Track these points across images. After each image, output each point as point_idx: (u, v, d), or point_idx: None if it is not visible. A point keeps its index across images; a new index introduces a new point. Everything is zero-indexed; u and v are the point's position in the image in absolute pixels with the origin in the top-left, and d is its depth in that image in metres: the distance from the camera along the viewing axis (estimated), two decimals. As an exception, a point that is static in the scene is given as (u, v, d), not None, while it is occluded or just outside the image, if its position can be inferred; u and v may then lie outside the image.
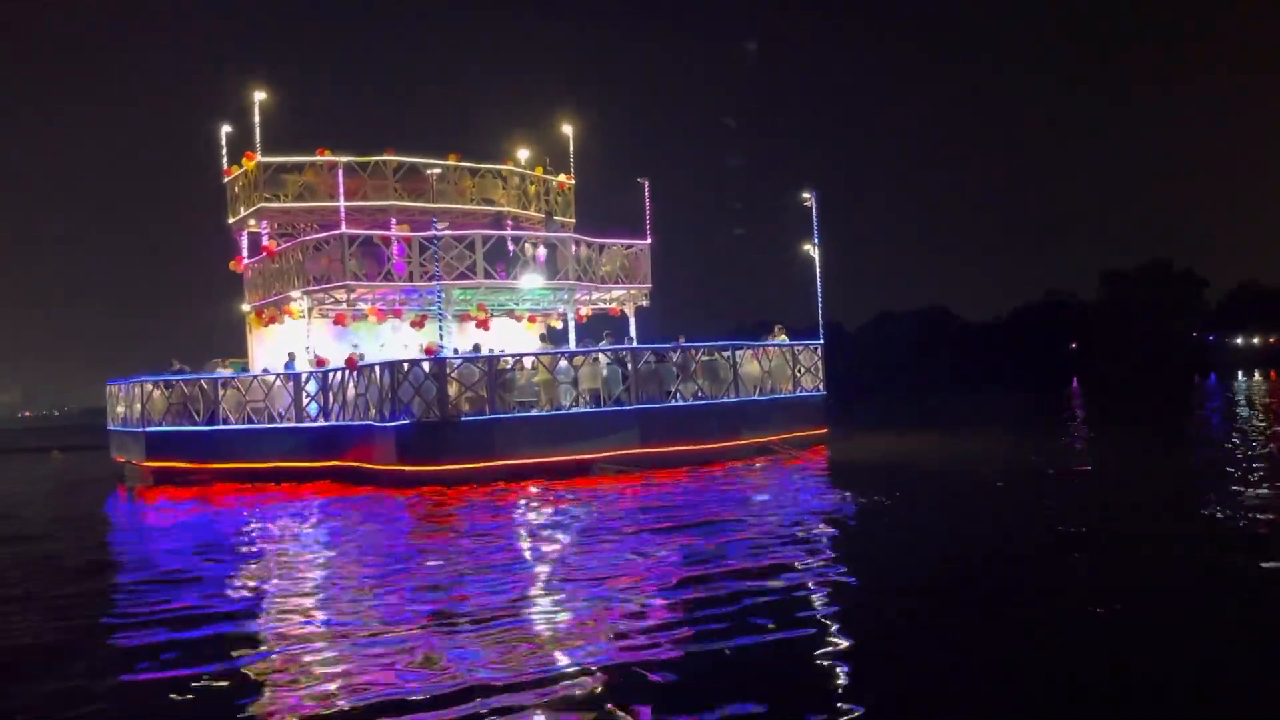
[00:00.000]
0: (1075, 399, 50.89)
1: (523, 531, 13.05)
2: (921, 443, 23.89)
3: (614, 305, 27.61)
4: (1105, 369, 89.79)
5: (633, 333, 26.80)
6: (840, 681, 5.92)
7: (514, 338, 27.62)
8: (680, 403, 19.82)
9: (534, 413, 19.03)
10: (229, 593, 10.02)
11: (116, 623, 8.73)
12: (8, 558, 12.99)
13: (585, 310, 27.52)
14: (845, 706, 5.40)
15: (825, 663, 6.27)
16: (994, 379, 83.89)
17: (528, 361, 19.95)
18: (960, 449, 22.27)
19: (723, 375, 20.59)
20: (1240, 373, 75.53)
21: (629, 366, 19.50)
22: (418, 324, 25.92)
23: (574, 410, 19.04)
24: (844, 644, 6.74)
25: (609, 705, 5.67)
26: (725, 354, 20.82)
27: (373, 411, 19.58)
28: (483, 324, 24.68)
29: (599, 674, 6.26)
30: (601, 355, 19.79)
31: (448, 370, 18.55)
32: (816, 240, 22.95)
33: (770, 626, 7.15)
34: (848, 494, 14.56)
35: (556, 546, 11.66)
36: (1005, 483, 15.63)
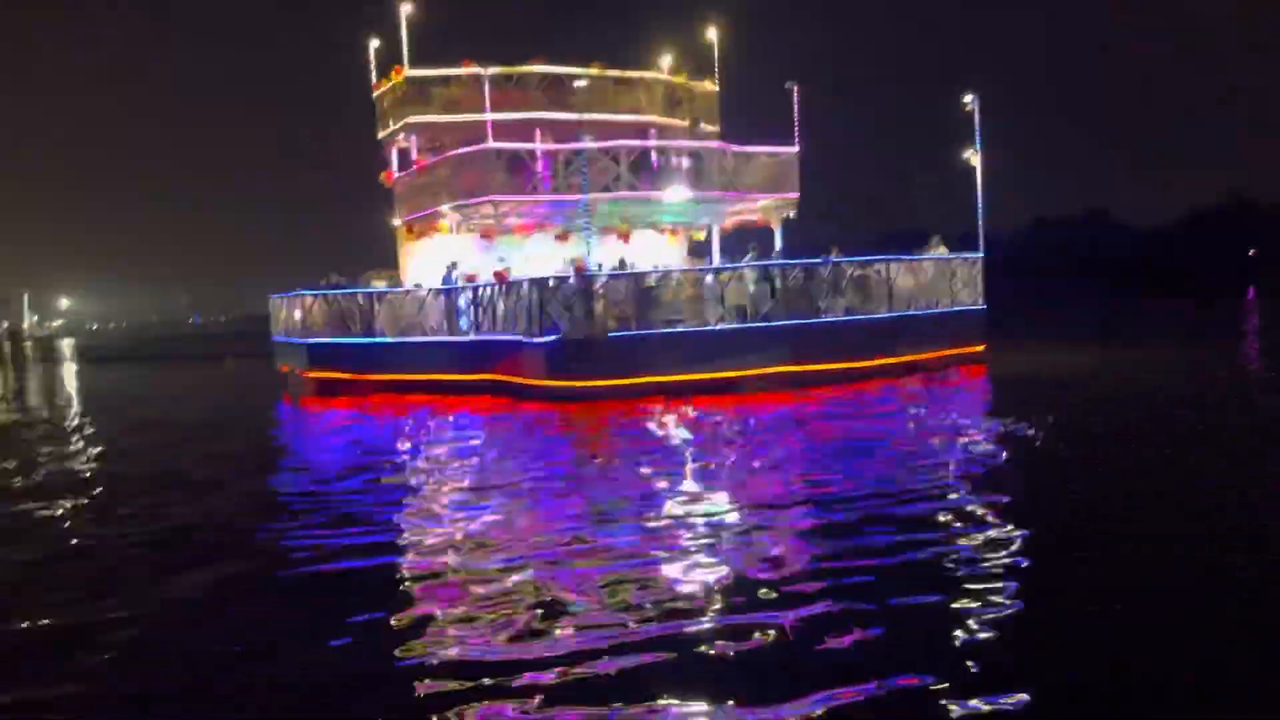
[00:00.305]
0: (1249, 309, 47.30)
1: (668, 455, 12.94)
2: (1083, 359, 22.56)
3: (760, 216, 26.89)
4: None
5: (778, 244, 26.11)
6: (1000, 658, 5.46)
7: (656, 250, 27.31)
8: (831, 319, 19.19)
9: (680, 329, 18.78)
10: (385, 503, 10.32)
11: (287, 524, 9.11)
12: (198, 454, 13.85)
13: (730, 222, 26.91)
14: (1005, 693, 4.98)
15: (987, 635, 5.82)
16: (1161, 287, 78.95)
17: (673, 277, 19.64)
18: (1126, 366, 20.95)
19: (875, 290, 19.80)
20: None
21: (777, 282, 18.95)
22: (563, 238, 25.90)
23: (720, 327, 18.69)
24: (1009, 610, 6.22)
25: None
26: (878, 268, 19.98)
27: (521, 326, 19.72)
28: (624, 236, 24.46)
29: (727, 635, 5.99)
30: (748, 270, 19.28)
31: (594, 287, 18.42)
32: (978, 147, 21.57)
33: (924, 586, 6.70)
34: (1009, 421, 13.78)
35: (699, 475, 11.49)
36: (1176, 406, 14.58)
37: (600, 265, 22.43)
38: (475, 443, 15.01)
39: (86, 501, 11.34)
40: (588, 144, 20.26)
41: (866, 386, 18.28)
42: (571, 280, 18.71)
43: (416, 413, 18.82)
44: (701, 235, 28.94)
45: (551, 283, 18.91)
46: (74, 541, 9.45)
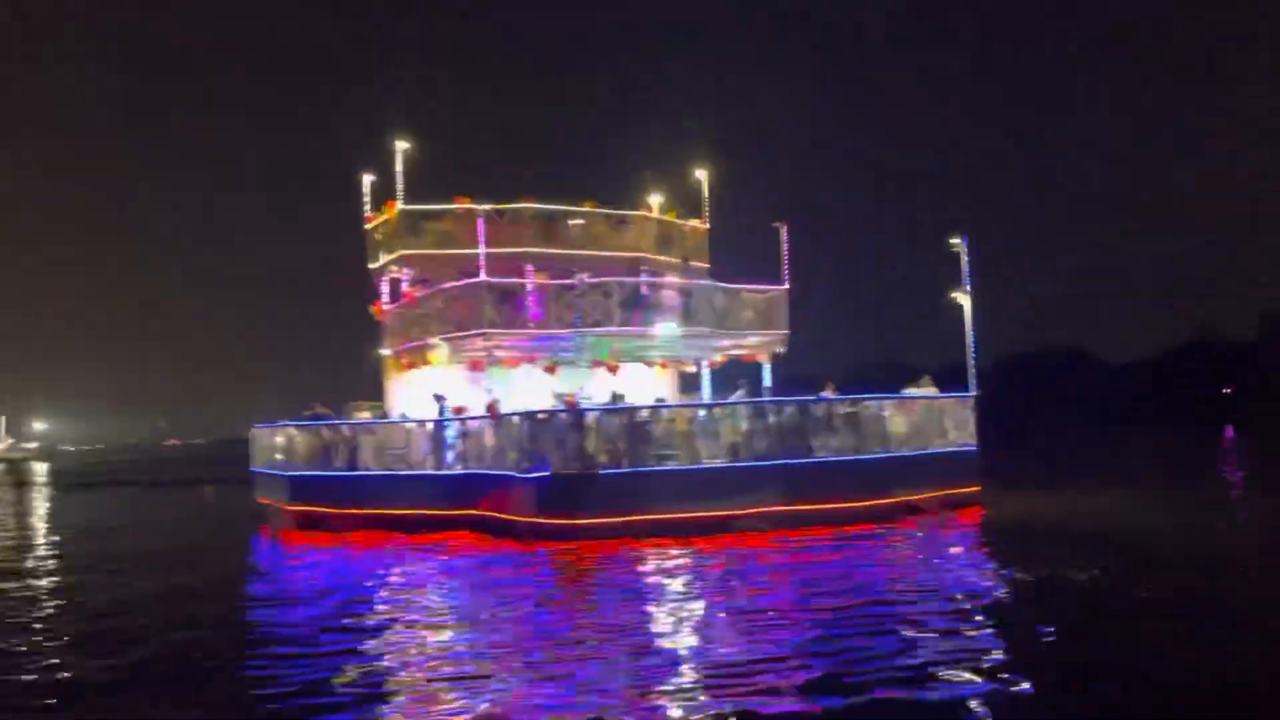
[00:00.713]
0: (1230, 449, 47.43)
1: (658, 603, 12.46)
2: (1081, 501, 22.31)
3: (747, 352, 26.99)
4: (1264, 416, 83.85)
5: (767, 380, 26.13)
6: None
7: (647, 383, 27.25)
8: (825, 458, 18.96)
9: (673, 466, 18.50)
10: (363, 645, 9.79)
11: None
12: (161, 587, 13.23)
13: (720, 357, 27.00)
14: None
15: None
16: (1136, 424, 79.49)
17: (665, 412, 19.48)
18: (1125, 510, 20.70)
19: (868, 429, 19.66)
20: None
21: (770, 419, 18.80)
22: (550, 370, 25.87)
23: (713, 465, 18.43)
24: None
25: None
26: (870, 406, 19.88)
27: (511, 460, 19.39)
28: (613, 369, 24.42)
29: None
30: (741, 407, 19.15)
31: (586, 421, 18.20)
32: (968, 286, 21.83)
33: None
34: (1012, 569, 13.41)
35: (691, 623, 11.03)
36: (1186, 554, 14.28)
37: (589, 398, 22.29)
38: (456, 585, 14.51)
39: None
40: (580, 279, 20.34)
41: (860, 528, 17.90)
42: (563, 414, 18.49)
43: (399, 549, 18.29)
44: (692, 368, 29.01)
45: (542, 416, 18.68)
46: None
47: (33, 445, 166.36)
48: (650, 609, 11.82)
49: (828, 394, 20.63)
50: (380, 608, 12.86)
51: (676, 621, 11.07)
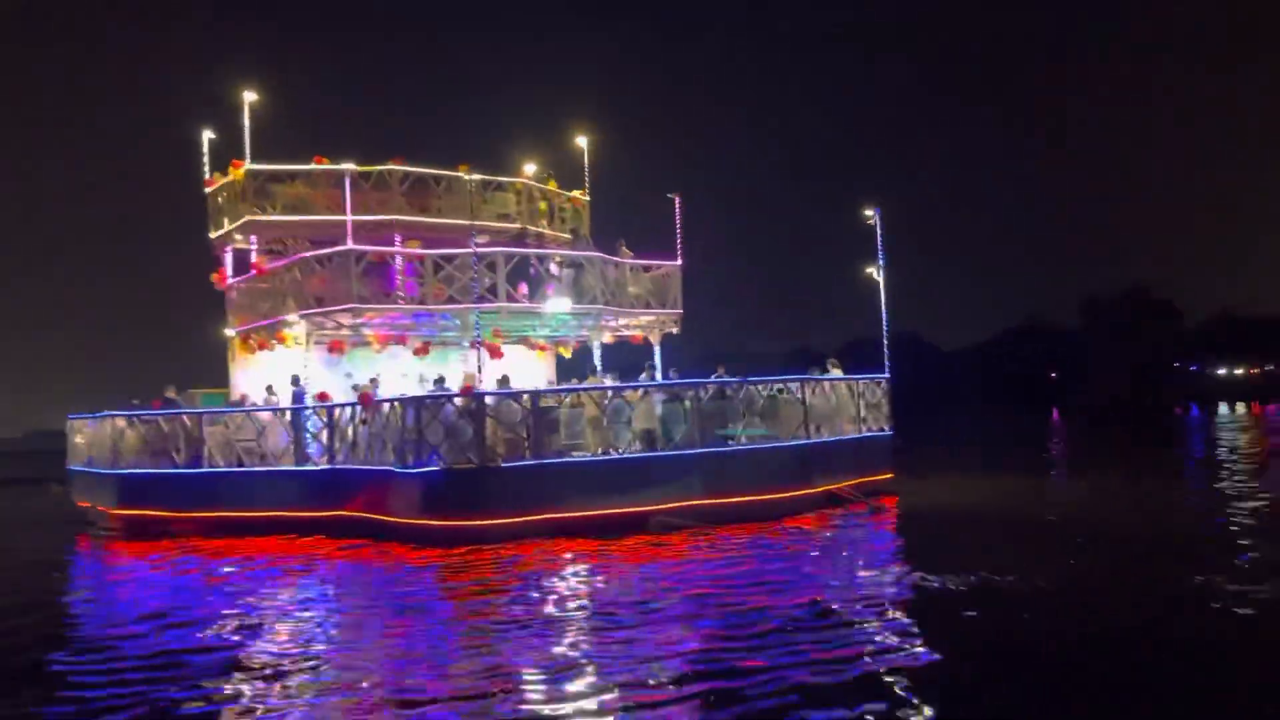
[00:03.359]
0: (1057, 430, 49.51)
1: (563, 617, 10.42)
2: (979, 487, 21.63)
3: (637, 332, 25.16)
4: (1087, 399, 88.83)
5: (657, 361, 24.39)
6: None
7: (527, 367, 25.05)
8: (745, 446, 17.29)
9: (581, 458, 16.43)
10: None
11: None
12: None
13: (608, 337, 25.03)
14: None
15: None
16: (967, 408, 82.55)
17: (569, 397, 17.37)
18: (1017, 493, 20.14)
19: (786, 414, 18.13)
20: (1223, 404, 74.83)
21: (687, 404, 16.98)
22: (421, 351, 23.26)
23: (627, 455, 16.47)
24: None
25: None
26: (790, 389, 18.35)
27: (390, 454, 16.86)
28: (494, 351, 22.06)
29: None
30: (654, 390, 17.26)
31: (486, 409, 15.88)
32: (881, 261, 20.64)
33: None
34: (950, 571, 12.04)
35: (598, 646, 9.08)
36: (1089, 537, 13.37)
37: (440, 381, 19.89)
38: (329, 604, 12.06)
39: None
40: (471, 248, 17.92)
41: (785, 523, 16.36)
42: (455, 400, 16.10)
43: (251, 559, 15.54)
44: (569, 352, 26.96)
45: (430, 403, 16.22)
46: None
47: None
48: (550, 633, 9.75)
49: (721, 376, 19.05)
50: (222, 636, 10.28)
51: (573, 644, 9.05)
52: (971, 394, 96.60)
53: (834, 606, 10.17)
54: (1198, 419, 55.52)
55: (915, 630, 9.23)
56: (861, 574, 12.20)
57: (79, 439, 22.86)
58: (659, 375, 22.46)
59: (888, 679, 7.62)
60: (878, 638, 8.99)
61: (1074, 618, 9.50)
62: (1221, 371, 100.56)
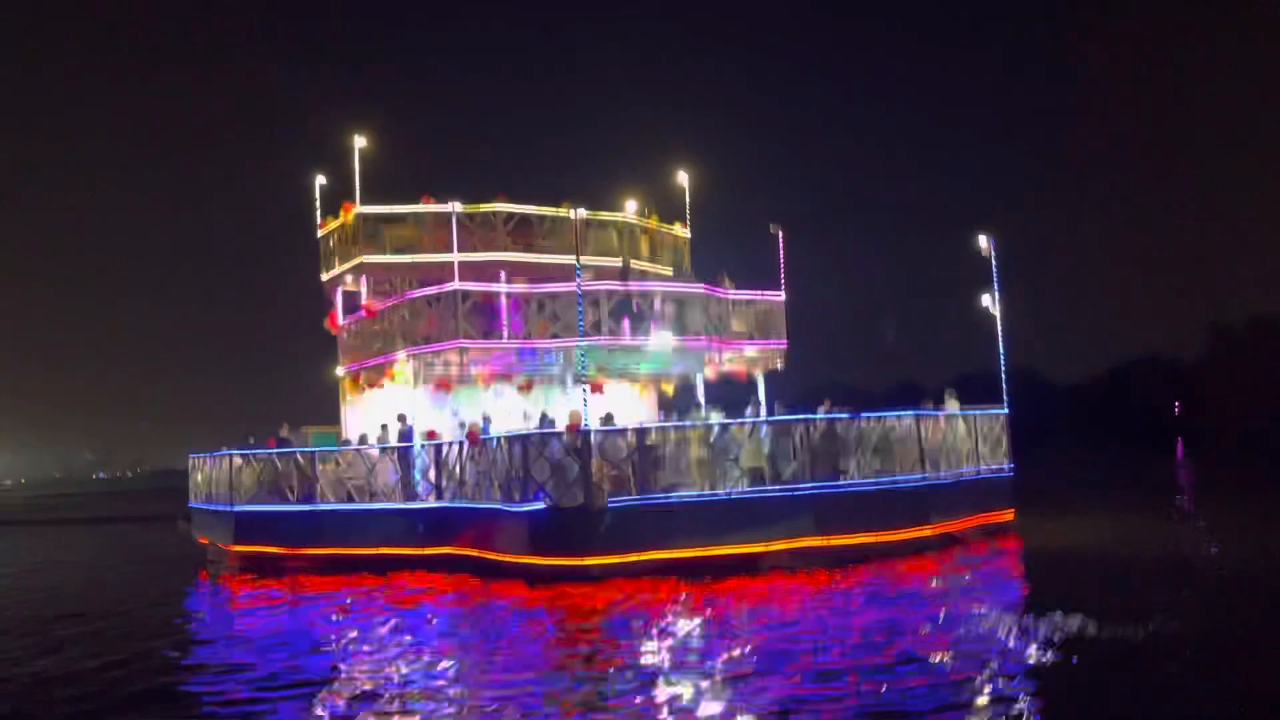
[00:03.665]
0: (1182, 466, 46.81)
1: (677, 665, 10.00)
2: (1107, 527, 20.37)
3: (741, 367, 24.75)
4: (1214, 433, 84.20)
5: (761, 396, 23.93)
6: None
7: (629, 404, 24.86)
8: (859, 484, 16.69)
9: (689, 495, 16.08)
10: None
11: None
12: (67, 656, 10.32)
13: (710, 372, 24.68)
14: None
15: None
16: (1083, 444, 79.05)
17: (674, 432, 17.06)
18: (1147, 534, 18.88)
19: (899, 451, 17.45)
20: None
21: (797, 439, 16.50)
22: (525, 388, 23.35)
23: (736, 493, 16.04)
24: None
25: None
26: (905, 424, 17.66)
27: (497, 492, 16.81)
28: (596, 387, 21.94)
29: None
30: (762, 425, 16.83)
31: (592, 445, 15.69)
32: (996, 294, 19.81)
33: None
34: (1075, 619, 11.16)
35: (706, 696, 8.61)
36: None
37: (545, 418, 19.83)
38: (434, 643, 11.93)
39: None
40: (575, 284, 17.83)
41: (903, 566, 15.64)
42: (561, 437, 15.96)
43: (364, 596, 15.60)
44: (671, 388, 26.69)
45: (536, 439, 16.13)
46: None
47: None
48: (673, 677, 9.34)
49: (828, 412, 18.41)
50: (339, 673, 10.25)
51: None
52: (1088, 429, 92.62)
53: (949, 658, 9.55)
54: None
55: (1042, 691, 8.53)
56: (982, 624, 11.45)
57: (199, 476, 23.52)
58: (763, 410, 22.00)
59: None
60: (1000, 705, 8.34)
61: (1218, 674, 8.69)
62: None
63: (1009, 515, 19.39)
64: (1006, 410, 19.88)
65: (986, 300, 19.72)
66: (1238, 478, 37.96)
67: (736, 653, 10.30)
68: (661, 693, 8.90)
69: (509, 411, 22.24)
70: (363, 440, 20.76)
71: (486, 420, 19.53)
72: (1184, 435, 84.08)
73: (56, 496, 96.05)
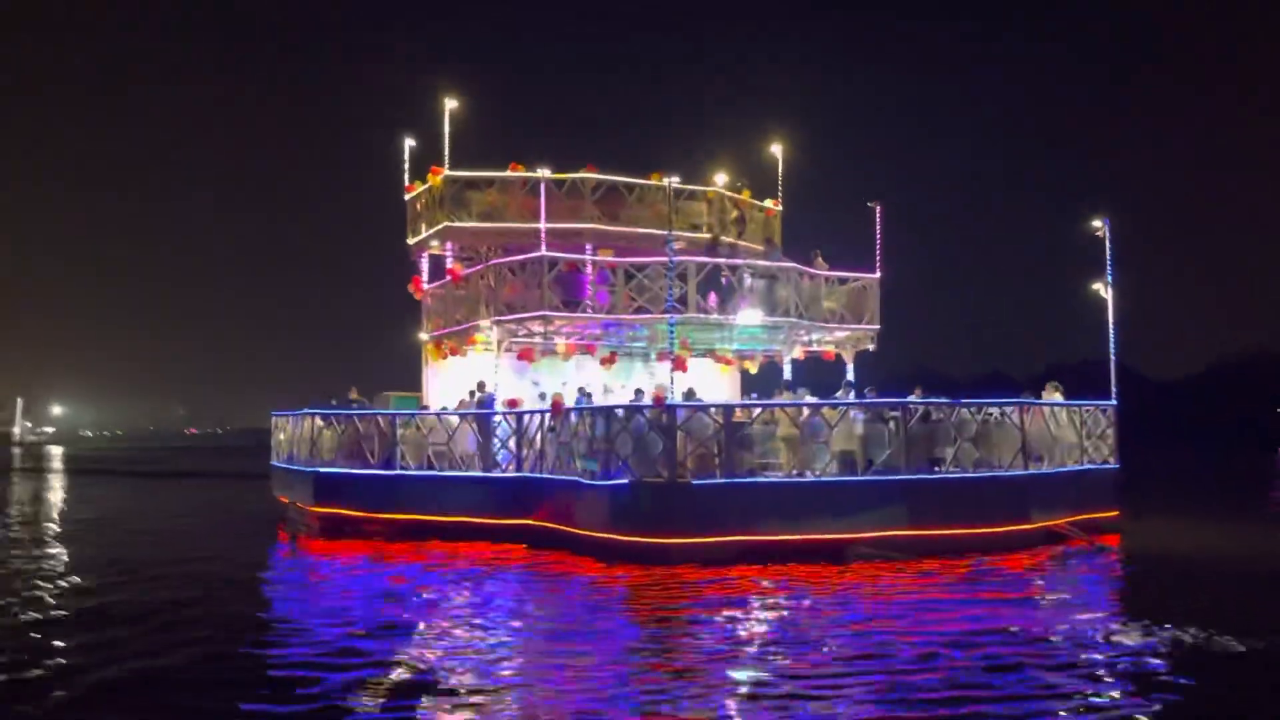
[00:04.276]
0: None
1: (744, 653, 9.42)
2: (1209, 531, 19.17)
3: (830, 348, 23.97)
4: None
5: (850, 379, 23.13)
6: None
7: (713, 381, 24.28)
8: (955, 474, 15.89)
9: (776, 478, 15.49)
10: None
11: None
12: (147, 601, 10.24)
13: (798, 352, 23.95)
14: None
15: None
16: (1181, 444, 76.00)
17: (762, 412, 16.43)
18: (1258, 541, 17.67)
19: (997, 440, 16.56)
20: None
21: (892, 425, 15.75)
22: (608, 361, 22.98)
23: (825, 478, 15.38)
24: None
25: None
26: (1006, 413, 16.77)
27: (579, 465, 16.44)
28: (680, 364, 21.43)
29: None
30: (855, 410, 16.11)
31: (677, 421, 15.19)
32: (1110, 279, 18.70)
33: None
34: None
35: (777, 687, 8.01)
36: None
37: (639, 393, 19.37)
38: (508, 617, 11.59)
39: None
40: (666, 255, 17.27)
41: (1000, 561, 14.83)
42: (646, 412, 15.49)
43: (442, 563, 15.42)
44: (755, 367, 26.03)
45: (621, 413, 15.68)
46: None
47: (49, 429, 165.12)
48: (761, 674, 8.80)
49: (918, 397, 17.58)
50: (398, 641, 10.03)
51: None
52: (1187, 429, 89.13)
53: (1040, 663, 8.86)
54: None
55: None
56: (1080, 628, 10.62)
57: (280, 436, 23.69)
58: (853, 394, 21.24)
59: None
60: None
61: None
62: None
63: (1113, 513, 18.34)
64: (1115, 402, 18.77)
65: (1098, 286, 18.62)
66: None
67: (814, 646, 9.73)
68: (734, 680, 8.39)
69: (589, 384, 21.91)
70: (438, 408, 20.59)
71: (584, 394, 19.10)
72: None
73: (153, 449, 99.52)
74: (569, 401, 18.54)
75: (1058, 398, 18.77)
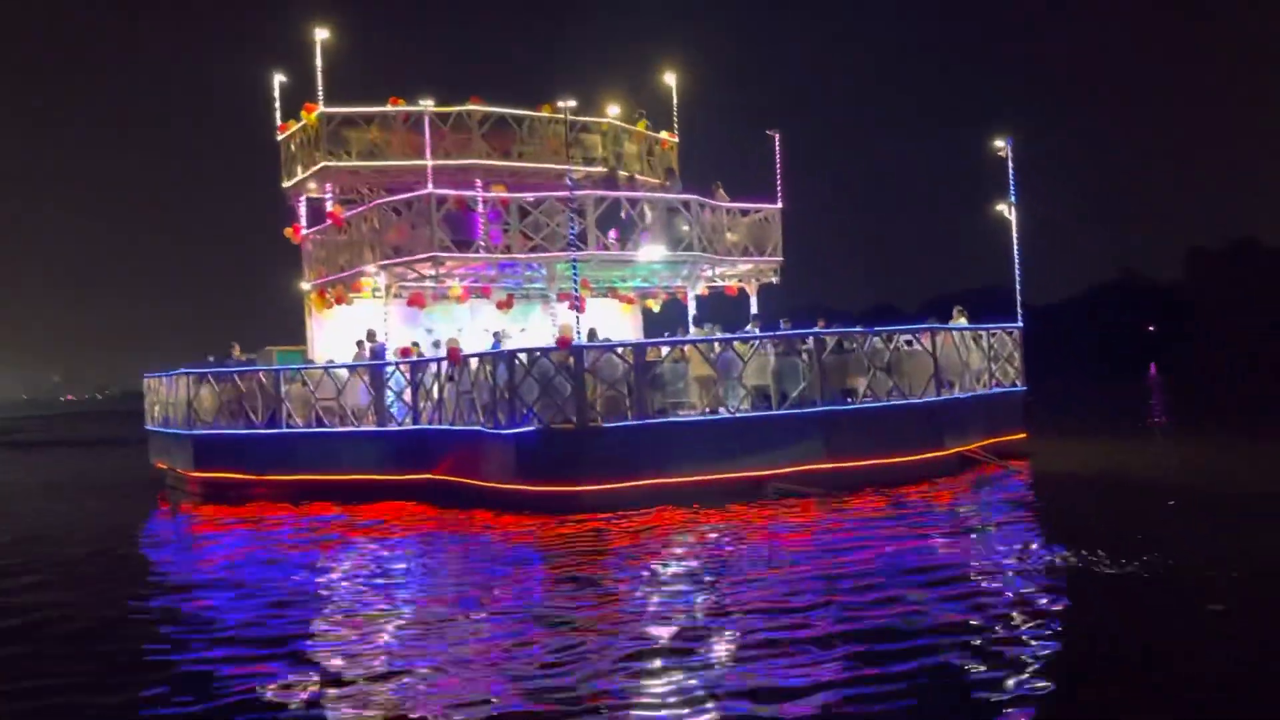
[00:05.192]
0: (1157, 388, 46.54)
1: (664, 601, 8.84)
2: (1110, 451, 19.43)
3: (733, 283, 23.42)
4: (1191, 355, 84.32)
5: (755, 312, 22.66)
6: None
7: (614, 322, 23.54)
8: (870, 404, 15.50)
9: (688, 417, 14.84)
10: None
11: None
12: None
13: (701, 288, 23.31)
14: None
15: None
16: (1061, 365, 78.91)
17: (670, 350, 15.73)
18: (1163, 458, 18.01)
19: (910, 367, 16.25)
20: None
21: (805, 358, 15.23)
22: (505, 305, 21.98)
23: (740, 414, 14.81)
24: None
25: None
26: (917, 339, 16.44)
27: (480, 415, 15.49)
28: (579, 304, 20.58)
29: None
30: (771, 343, 15.53)
31: (585, 364, 14.34)
32: (1014, 199, 18.49)
33: None
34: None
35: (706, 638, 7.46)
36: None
37: (498, 337, 18.39)
38: (408, 577, 10.73)
39: None
40: (565, 189, 16.30)
41: (915, 490, 14.57)
42: (552, 354, 14.60)
43: (335, 526, 14.38)
44: (658, 306, 25.36)
45: (524, 357, 14.75)
46: None
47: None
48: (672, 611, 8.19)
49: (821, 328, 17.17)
50: (291, 610, 9.09)
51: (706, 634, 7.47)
52: (1066, 351, 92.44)
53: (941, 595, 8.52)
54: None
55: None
56: (1002, 556, 10.34)
57: (154, 399, 22.03)
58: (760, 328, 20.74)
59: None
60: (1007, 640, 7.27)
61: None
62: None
63: (1021, 436, 18.37)
64: (1020, 324, 18.70)
65: (1002, 207, 18.41)
66: (1210, 398, 37.50)
67: (734, 588, 9.17)
68: (654, 629, 7.74)
69: (486, 329, 20.89)
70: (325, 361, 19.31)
71: (497, 338, 18.00)
72: (1157, 359, 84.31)
73: (28, 418, 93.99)
74: (482, 347, 17.53)
75: (963, 322, 18.61)
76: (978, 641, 7.23)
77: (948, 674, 6.56)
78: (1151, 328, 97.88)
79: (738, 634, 7.79)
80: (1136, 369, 73.46)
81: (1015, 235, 18.56)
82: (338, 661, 7.67)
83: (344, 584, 10.80)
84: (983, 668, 6.64)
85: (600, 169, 21.94)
